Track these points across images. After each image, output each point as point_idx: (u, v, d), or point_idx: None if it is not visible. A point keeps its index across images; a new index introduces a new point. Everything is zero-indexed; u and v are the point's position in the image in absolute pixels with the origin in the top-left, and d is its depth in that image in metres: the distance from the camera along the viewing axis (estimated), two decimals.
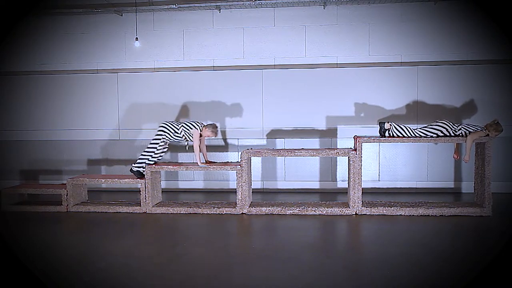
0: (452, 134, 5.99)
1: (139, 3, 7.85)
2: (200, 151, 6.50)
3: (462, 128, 5.95)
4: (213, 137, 6.61)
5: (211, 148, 7.94)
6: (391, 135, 6.04)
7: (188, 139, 6.47)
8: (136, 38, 7.54)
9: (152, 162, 6.54)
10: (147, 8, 7.84)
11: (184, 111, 7.98)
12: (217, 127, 6.52)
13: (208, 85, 7.92)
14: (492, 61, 7.53)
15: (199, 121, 6.55)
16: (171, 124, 6.49)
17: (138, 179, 6.46)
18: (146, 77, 8.06)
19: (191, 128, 6.38)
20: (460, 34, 7.61)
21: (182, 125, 6.44)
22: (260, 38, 7.99)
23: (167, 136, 6.46)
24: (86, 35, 8.32)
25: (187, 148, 6.89)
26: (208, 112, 7.91)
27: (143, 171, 6.54)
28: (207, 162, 6.58)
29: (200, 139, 6.47)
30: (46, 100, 8.25)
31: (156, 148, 6.50)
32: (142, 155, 6.55)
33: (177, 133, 6.42)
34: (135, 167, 6.54)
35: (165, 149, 6.66)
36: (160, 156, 6.63)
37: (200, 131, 6.41)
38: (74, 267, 4.20)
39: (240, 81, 7.87)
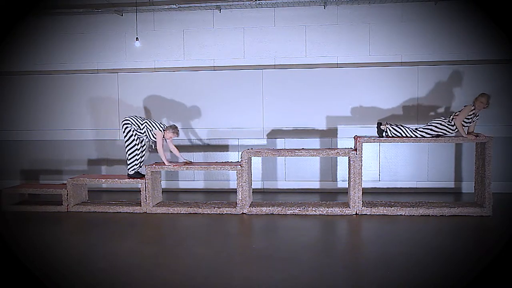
0: (448, 129, 5.98)
1: (140, 3, 7.84)
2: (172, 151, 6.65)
3: (454, 119, 5.97)
4: (175, 137, 6.63)
5: (211, 148, 7.94)
6: (389, 135, 6.06)
7: (149, 137, 6.50)
8: (136, 38, 7.55)
9: (142, 159, 6.62)
10: (147, 8, 7.84)
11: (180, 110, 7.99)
12: (177, 127, 6.58)
13: (208, 85, 7.92)
14: (492, 61, 7.52)
15: (162, 123, 6.61)
16: (135, 119, 6.50)
17: (139, 179, 6.46)
18: (146, 77, 8.06)
19: (154, 128, 6.42)
20: (460, 34, 7.61)
21: (146, 122, 6.48)
22: (260, 38, 7.99)
23: (134, 129, 6.46)
24: (86, 35, 8.32)
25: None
26: (208, 112, 7.94)
27: (139, 169, 6.58)
28: (186, 162, 6.61)
29: (167, 141, 6.57)
30: (46, 100, 8.25)
31: (134, 146, 6.51)
32: (128, 158, 6.57)
33: (140, 128, 6.45)
34: (130, 170, 6.57)
35: (144, 145, 6.66)
36: (143, 153, 6.66)
37: (163, 132, 6.45)
38: (74, 267, 4.20)
39: (240, 81, 7.87)
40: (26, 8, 7.30)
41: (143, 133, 6.48)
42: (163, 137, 6.48)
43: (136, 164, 6.56)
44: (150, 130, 6.44)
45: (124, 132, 6.52)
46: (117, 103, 8.11)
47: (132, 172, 6.57)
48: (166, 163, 6.45)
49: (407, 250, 4.58)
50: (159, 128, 6.44)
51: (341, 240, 5.38)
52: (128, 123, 6.48)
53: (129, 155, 6.55)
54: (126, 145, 6.54)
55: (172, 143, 6.66)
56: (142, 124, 6.45)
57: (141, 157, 6.63)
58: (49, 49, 8.40)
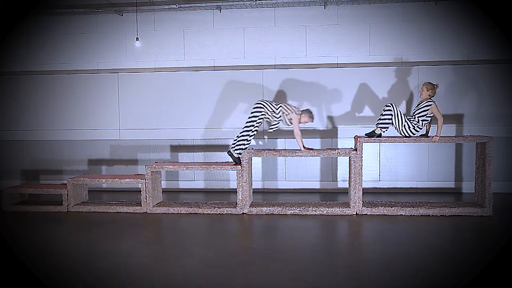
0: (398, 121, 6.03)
1: (140, 3, 7.85)
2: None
3: (419, 119, 6.00)
4: (309, 123, 6.35)
5: (211, 148, 7.94)
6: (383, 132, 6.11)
7: (284, 121, 6.24)
8: (137, 38, 7.54)
9: (245, 147, 6.34)
10: (147, 8, 7.84)
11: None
12: (312, 112, 6.33)
13: (208, 85, 7.91)
14: (492, 61, 7.52)
15: (295, 106, 6.35)
16: (269, 103, 6.25)
17: (139, 179, 6.45)
18: (147, 77, 8.06)
19: (291, 112, 6.14)
20: (460, 34, 7.61)
21: (281, 106, 6.20)
22: (260, 38, 7.99)
23: (265, 114, 6.20)
24: (86, 35, 8.33)
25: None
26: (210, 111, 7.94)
27: (240, 155, 6.33)
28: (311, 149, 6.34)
29: (293, 125, 6.21)
30: (46, 100, 8.25)
31: (251, 129, 6.25)
32: (239, 138, 6.29)
33: (275, 112, 6.19)
34: (236, 152, 6.32)
35: (256, 132, 6.39)
36: (252, 140, 6.42)
37: (299, 116, 6.18)
38: (74, 267, 4.20)
39: (240, 81, 7.87)
40: (26, 8, 7.30)
41: (278, 117, 6.21)
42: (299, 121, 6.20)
43: (242, 149, 6.30)
44: (286, 115, 6.18)
45: (252, 113, 6.25)
46: (117, 103, 8.11)
47: (236, 156, 6.33)
48: (302, 148, 6.17)
49: (407, 250, 4.58)
50: (295, 112, 6.18)
51: (341, 240, 5.38)
52: (261, 107, 6.20)
53: (242, 136, 6.28)
54: (244, 126, 6.27)
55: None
56: (277, 109, 6.19)
57: (248, 143, 6.37)
58: (49, 49, 8.40)
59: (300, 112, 6.23)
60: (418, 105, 6.10)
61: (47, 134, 8.28)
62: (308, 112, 6.27)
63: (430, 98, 5.99)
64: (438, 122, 5.93)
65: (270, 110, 6.21)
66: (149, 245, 4.94)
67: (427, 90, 5.99)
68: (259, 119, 6.25)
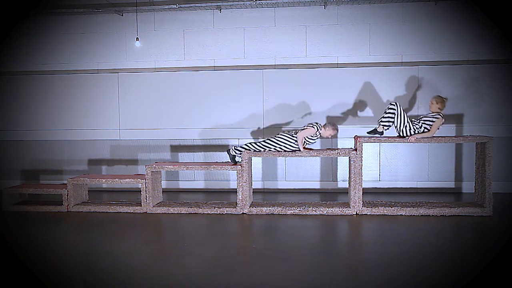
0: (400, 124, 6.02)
1: (140, 3, 7.85)
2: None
3: (423, 124, 6.00)
4: (334, 134, 6.34)
5: (211, 148, 7.94)
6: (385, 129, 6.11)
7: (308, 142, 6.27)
8: (137, 38, 7.55)
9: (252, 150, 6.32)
10: (147, 8, 7.84)
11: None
12: (335, 124, 6.30)
13: (208, 85, 7.92)
14: (492, 61, 7.53)
15: (316, 122, 6.31)
16: (291, 136, 6.22)
17: (139, 179, 6.45)
18: (147, 77, 8.06)
19: (307, 128, 6.15)
20: (460, 34, 7.61)
21: (300, 133, 6.20)
22: (260, 38, 8.00)
23: (286, 147, 6.22)
24: (86, 35, 8.33)
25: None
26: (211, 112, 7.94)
27: (239, 157, 6.36)
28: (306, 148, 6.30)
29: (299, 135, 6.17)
30: (46, 100, 8.25)
31: (266, 148, 6.24)
32: (248, 143, 6.31)
33: (296, 137, 6.19)
34: (234, 149, 6.33)
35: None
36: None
37: (318, 130, 6.15)
38: (74, 267, 4.20)
39: (240, 81, 7.87)
40: (26, 8, 7.30)
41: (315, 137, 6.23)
42: (320, 134, 6.18)
43: (240, 151, 6.30)
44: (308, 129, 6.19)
45: (273, 138, 6.25)
46: (117, 103, 8.11)
47: (233, 153, 6.35)
48: (301, 148, 6.15)
49: (407, 250, 4.58)
50: (312, 126, 6.13)
51: (341, 240, 5.38)
52: (280, 141, 6.21)
53: (251, 144, 6.28)
54: (262, 141, 6.28)
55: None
56: (297, 136, 6.18)
57: (261, 150, 6.28)
58: (49, 49, 8.40)
59: (315, 126, 6.16)
60: (427, 115, 6.09)
61: (47, 134, 8.29)
62: (331, 124, 6.25)
63: (440, 111, 6.00)
64: (429, 131, 5.94)
65: (293, 142, 6.19)
66: (149, 245, 4.94)
67: (437, 103, 6.00)
68: (274, 148, 6.24)
